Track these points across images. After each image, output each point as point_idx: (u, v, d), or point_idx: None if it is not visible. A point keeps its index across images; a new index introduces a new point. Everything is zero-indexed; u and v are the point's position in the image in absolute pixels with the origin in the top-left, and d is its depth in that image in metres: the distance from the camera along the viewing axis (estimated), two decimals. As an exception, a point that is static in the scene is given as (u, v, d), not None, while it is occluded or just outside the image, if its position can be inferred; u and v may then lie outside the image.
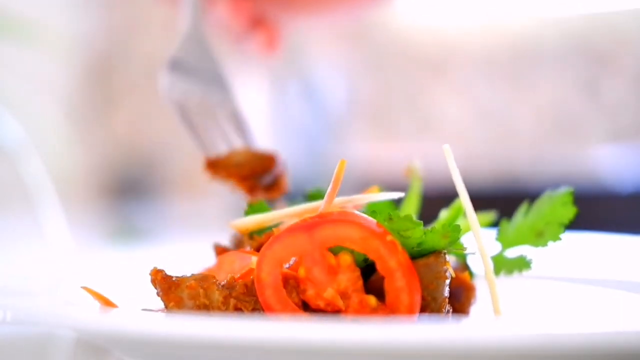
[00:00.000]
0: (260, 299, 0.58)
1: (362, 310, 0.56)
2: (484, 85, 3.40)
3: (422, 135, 3.45)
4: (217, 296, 0.59)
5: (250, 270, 0.61)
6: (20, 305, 0.59)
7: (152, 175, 3.79)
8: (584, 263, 0.93)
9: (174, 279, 0.60)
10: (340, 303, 0.57)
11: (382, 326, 0.45)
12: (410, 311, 0.56)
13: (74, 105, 3.79)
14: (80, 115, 3.82)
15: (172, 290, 0.60)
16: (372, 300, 0.57)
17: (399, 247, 0.57)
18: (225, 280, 0.60)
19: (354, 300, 0.57)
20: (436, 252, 0.59)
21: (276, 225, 0.67)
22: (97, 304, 0.64)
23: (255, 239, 0.67)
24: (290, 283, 0.58)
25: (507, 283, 0.68)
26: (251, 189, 0.77)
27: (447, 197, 0.74)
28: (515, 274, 0.70)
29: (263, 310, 0.58)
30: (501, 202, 0.91)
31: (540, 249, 0.69)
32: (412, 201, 0.78)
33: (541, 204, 0.69)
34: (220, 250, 0.70)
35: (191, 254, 0.82)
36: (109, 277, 0.79)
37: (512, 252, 0.70)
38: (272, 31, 0.98)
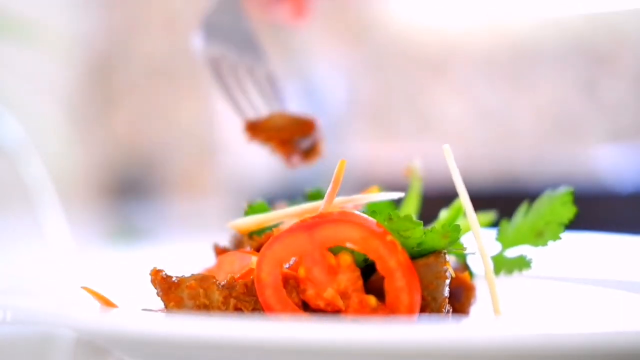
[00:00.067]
0: (260, 299, 0.58)
1: (362, 310, 0.56)
2: (484, 85, 3.40)
3: (422, 135, 3.45)
4: (217, 296, 0.59)
5: (250, 270, 0.61)
6: (20, 305, 0.59)
7: (152, 175, 3.79)
8: (584, 263, 0.93)
9: (174, 279, 0.60)
10: (340, 303, 0.57)
11: (382, 326, 0.45)
12: (410, 311, 0.56)
13: (74, 105, 3.79)
14: (80, 115, 3.82)
15: (172, 290, 0.60)
16: (372, 300, 0.57)
17: (399, 247, 0.57)
18: (225, 280, 0.60)
19: (354, 300, 0.57)
20: (436, 252, 0.59)
21: (276, 225, 0.67)
22: (97, 304, 0.64)
23: (255, 239, 0.67)
24: (290, 283, 0.58)
25: (507, 283, 0.68)
26: (289, 153, 0.77)
27: (447, 197, 0.74)
28: (515, 274, 0.70)
29: (263, 310, 0.58)
30: (501, 202, 0.91)
31: (540, 249, 0.69)
32: (412, 201, 0.78)
33: (541, 204, 0.69)
34: (220, 251, 0.70)
35: (191, 254, 0.82)
36: (109, 277, 0.79)
37: (512, 252, 0.70)
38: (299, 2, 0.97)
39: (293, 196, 0.77)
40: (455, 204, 0.73)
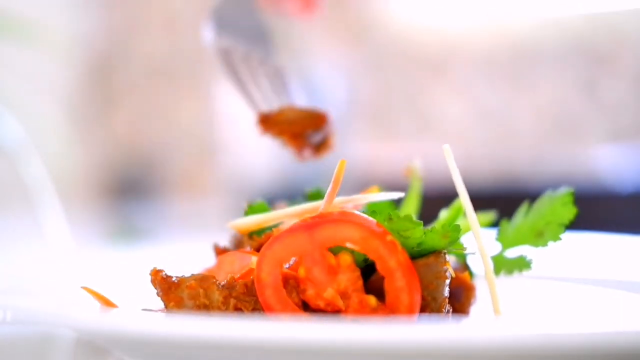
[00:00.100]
0: (260, 299, 0.58)
1: (362, 310, 0.56)
2: (484, 85, 3.40)
3: (422, 135, 3.45)
4: (217, 296, 0.59)
5: (250, 270, 0.61)
6: (20, 305, 0.59)
7: (152, 175, 3.79)
8: (584, 263, 0.93)
9: (174, 279, 0.60)
10: (340, 303, 0.57)
11: (382, 326, 0.45)
12: (410, 311, 0.56)
13: (74, 105, 3.79)
14: (80, 115, 3.82)
15: (172, 291, 0.60)
16: (372, 300, 0.57)
17: (399, 247, 0.57)
18: (225, 280, 0.60)
19: (354, 300, 0.57)
20: (436, 252, 0.59)
21: (276, 226, 0.67)
22: (97, 304, 0.64)
23: (255, 239, 0.67)
24: (290, 283, 0.58)
25: (507, 283, 0.68)
26: (301, 147, 0.76)
27: (447, 197, 0.74)
28: (515, 274, 0.70)
29: (263, 310, 0.58)
30: (501, 202, 0.91)
31: (540, 249, 0.69)
32: (412, 201, 0.78)
33: (541, 204, 0.69)
34: (220, 251, 0.70)
35: (191, 254, 0.81)
36: (109, 277, 0.79)
37: (512, 252, 0.70)
38: None
39: (293, 196, 0.77)
40: (455, 204, 0.73)
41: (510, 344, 0.44)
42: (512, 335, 0.44)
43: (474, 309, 0.70)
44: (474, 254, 0.69)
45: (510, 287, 0.69)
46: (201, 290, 0.59)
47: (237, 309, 0.59)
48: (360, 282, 0.57)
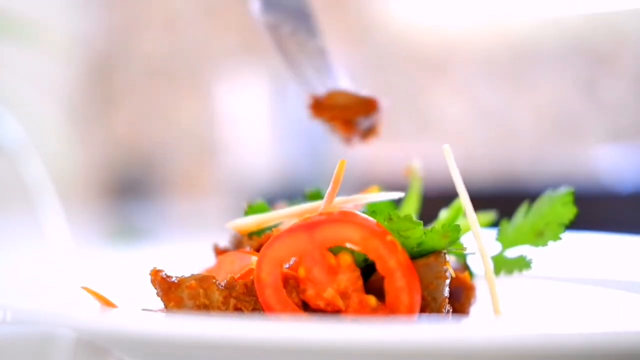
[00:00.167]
0: (260, 299, 0.58)
1: (362, 310, 0.56)
2: (484, 85, 3.40)
3: (422, 135, 3.45)
4: (217, 296, 0.59)
5: (250, 270, 0.61)
6: (20, 305, 0.59)
7: (152, 175, 3.79)
8: (584, 263, 0.93)
9: (174, 279, 0.60)
10: (340, 303, 0.57)
11: (382, 326, 0.45)
12: (410, 311, 0.56)
13: (74, 105, 3.79)
14: (80, 115, 3.83)
15: (172, 291, 0.60)
16: (372, 300, 0.57)
17: (399, 247, 0.57)
18: (225, 281, 0.60)
19: (354, 300, 0.57)
20: (436, 252, 0.59)
21: (276, 226, 0.67)
22: (97, 304, 0.64)
23: (255, 239, 0.67)
24: (290, 283, 0.58)
25: (507, 283, 0.68)
26: (350, 133, 0.74)
27: (447, 197, 0.74)
28: (515, 274, 0.70)
29: (263, 310, 0.58)
30: (501, 202, 0.91)
31: (540, 249, 0.69)
32: (412, 201, 0.78)
33: (541, 204, 0.69)
34: (219, 251, 0.70)
35: (191, 254, 0.81)
36: (109, 277, 0.79)
37: (512, 252, 0.70)
38: None
39: (293, 196, 0.77)
40: (455, 204, 0.73)
41: (510, 344, 0.44)
42: (512, 335, 0.44)
43: (474, 309, 0.70)
44: (474, 254, 0.69)
45: (510, 287, 0.69)
46: (201, 290, 0.59)
47: (237, 309, 0.59)
48: (360, 282, 0.57)
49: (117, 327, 0.51)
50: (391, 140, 3.52)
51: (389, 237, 0.57)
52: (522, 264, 0.70)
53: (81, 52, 3.85)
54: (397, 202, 0.76)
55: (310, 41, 0.81)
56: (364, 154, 3.21)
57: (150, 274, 0.61)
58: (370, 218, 0.58)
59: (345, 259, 0.58)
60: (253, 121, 3.37)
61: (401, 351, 0.45)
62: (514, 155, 3.23)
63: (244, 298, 0.59)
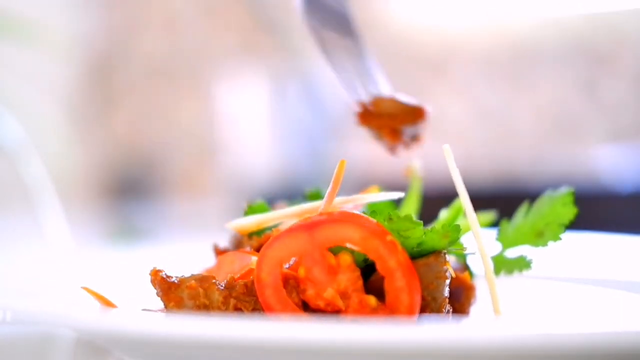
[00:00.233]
0: (260, 299, 0.58)
1: (362, 310, 0.56)
2: (484, 85, 3.40)
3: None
4: (217, 296, 0.59)
5: (250, 270, 0.61)
6: (20, 305, 0.59)
7: (152, 175, 3.79)
8: (584, 263, 0.93)
9: (174, 279, 0.60)
10: (340, 303, 0.57)
11: (382, 326, 0.45)
12: (410, 311, 0.56)
13: (74, 105, 3.79)
14: (80, 115, 3.82)
15: (172, 291, 0.60)
16: (372, 300, 0.57)
17: (399, 247, 0.57)
18: (225, 281, 0.60)
19: (354, 300, 0.57)
20: (436, 252, 0.59)
21: (275, 226, 0.67)
22: (97, 304, 0.64)
23: (255, 239, 0.67)
24: (290, 283, 0.58)
25: (507, 283, 0.68)
26: (396, 142, 0.72)
27: (447, 197, 0.74)
28: (515, 274, 0.70)
29: (263, 310, 0.58)
30: (501, 202, 0.91)
31: (540, 249, 0.69)
32: (412, 201, 0.78)
33: (541, 204, 0.69)
34: (219, 251, 0.70)
35: (191, 254, 0.81)
36: (109, 277, 0.79)
37: (512, 252, 0.70)
38: None
39: (293, 196, 0.77)
40: (455, 204, 0.73)
41: (510, 344, 0.44)
42: (512, 335, 0.44)
43: (474, 309, 0.70)
44: (474, 254, 0.69)
45: (510, 287, 0.69)
46: (201, 290, 0.59)
47: (237, 309, 0.59)
48: (360, 282, 0.57)
49: (117, 327, 0.51)
50: (391, 140, 3.52)
51: (389, 237, 0.57)
52: (522, 264, 0.70)
53: (81, 52, 3.85)
54: (397, 202, 0.76)
55: (352, 45, 0.79)
56: (364, 154, 3.21)
57: (150, 274, 0.61)
58: (370, 218, 0.58)
59: (345, 259, 0.58)
60: (253, 121, 3.37)
61: (401, 351, 0.45)
62: (514, 155, 3.23)
63: (244, 298, 0.59)
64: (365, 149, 3.41)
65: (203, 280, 0.59)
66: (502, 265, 0.70)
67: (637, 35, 3.20)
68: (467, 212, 0.62)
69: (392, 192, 0.66)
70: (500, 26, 3.38)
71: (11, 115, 1.54)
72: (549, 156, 3.14)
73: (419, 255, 0.59)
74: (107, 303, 0.64)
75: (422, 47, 3.49)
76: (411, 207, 0.78)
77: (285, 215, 0.66)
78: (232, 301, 0.59)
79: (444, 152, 0.63)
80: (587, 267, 0.90)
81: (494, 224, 0.74)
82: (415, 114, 0.71)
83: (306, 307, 0.58)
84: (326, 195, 0.61)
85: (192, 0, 3.87)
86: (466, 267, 0.74)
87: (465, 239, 0.67)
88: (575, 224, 0.69)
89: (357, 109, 0.71)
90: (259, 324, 0.46)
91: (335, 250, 0.58)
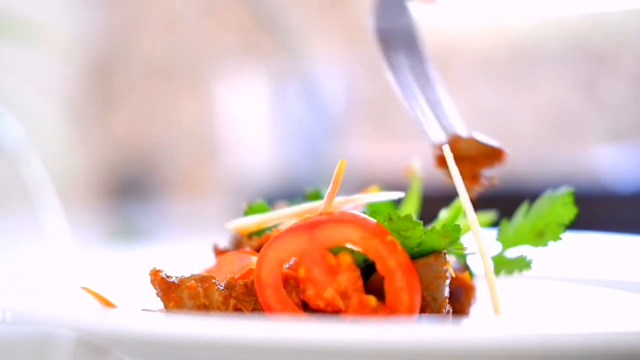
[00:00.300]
0: (260, 299, 0.58)
1: (362, 310, 0.56)
2: (484, 85, 3.40)
3: (422, 135, 3.44)
4: (217, 296, 0.59)
5: (250, 271, 0.61)
6: (20, 305, 0.59)
7: (152, 175, 3.79)
8: (584, 263, 0.93)
9: (173, 279, 0.60)
10: (340, 303, 0.57)
11: (382, 326, 0.45)
12: (410, 311, 0.56)
13: (74, 105, 3.79)
14: (80, 115, 3.82)
15: (172, 291, 0.59)
16: (372, 300, 0.57)
17: (399, 247, 0.57)
18: (225, 281, 0.60)
19: (354, 300, 0.57)
20: (436, 252, 0.59)
21: (275, 226, 0.67)
22: (97, 304, 0.64)
23: (255, 239, 0.67)
24: (290, 283, 0.58)
25: (507, 283, 0.68)
26: (475, 185, 0.67)
27: (447, 197, 0.74)
28: (515, 274, 0.70)
29: (263, 310, 0.58)
30: (501, 202, 0.91)
31: (540, 249, 0.69)
32: (412, 201, 0.78)
33: (542, 204, 0.69)
34: (219, 251, 0.70)
35: (191, 254, 0.81)
36: (109, 277, 0.79)
37: (512, 252, 0.70)
38: None
39: (293, 196, 0.77)
40: (455, 204, 0.73)
41: (510, 344, 0.44)
42: (512, 335, 0.44)
43: (474, 309, 0.70)
44: (474, 254, 0.69)
45: (510, 287, 0.69)
46: (201, 290, 0.59)
47: (237, 309, 0.59)
48: (360, 282, 0.57)
49: (117, 327, 0.51)
50: (391, 140, 3.52)
51: (389, 237, 0.57)
52: (522, 264, 0.70)
53: (81, 52, 3.85)
54: (397, 202, 0.76)
55: (421, 67, 0.76)
56: (364, 154, 3.22)
57: (150, 274, 0.60)
58: (370, 218, 0.58)
59: (345, 259, 0.58)
60: (253, 121, 3.37)
61: (401, 351, 0.45)
62: (514, 155, 3.22)
63: (244, 298, 0.59)
64: (365, 149, 3.41)
65: (203, 280, 0.59)
66: (502, 265, 0.70)
67: (637, 35, 3.20)
68: (467, 212, 0.62)
69: (392, 192, 0.66)
70: (500, 26, 3.38)
71: (11, 115, 1.54)
72: (549, 156, 3.14)
73: (419, 255, 0.59)
74: (107, 303, 0.64)
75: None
76: (411, 207, 0.78)
77: (285, 215, 0.66)
78: (232, 301, 0.59)
79: (444, 152, 0.63)
80: (587, 267, 0.90)
81: (494, 224, 0.74)
82: (495, 157, 0.67)
83: (306, 307, 0.58)
84: (326, 195, 0.61)
85: (192, 0, 3.87)
86: (466, 267, 0.74)
87: (465, 239, 0.67)
88: (575, 224, 0.69)
89: (437, 152, 0.66)
90: (259, 324, 0.46)
91: (335, 250, 0.58)
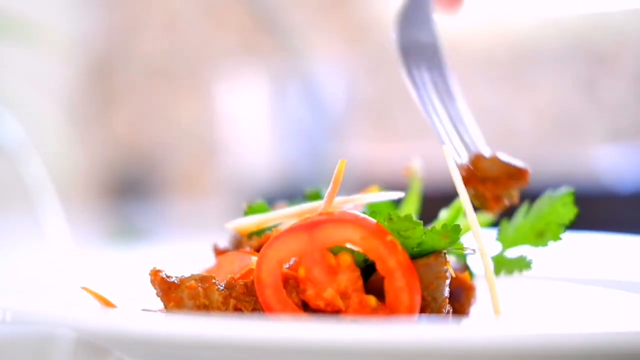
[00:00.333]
0: (260, 299, 0.58)
1: (362, 310, 0.56)
2: (484, 85, 3.40)
3: (422, 135, 3.44)
4: (217, 296, 0.59)
5: (250, 271, 0.61)
6: (20, 305, 0.59)
7: (152, 175, 3.79)
8: (584, 263, 0.93)
9: (173, 279, 0.60)
10: (340, 303, 0.57)
11: (382, 326, 0.45)
12: (410, 311, 0.56)
13: (74, 105, 3.79)
14: (80, 115, 3.82)
15: (172, 291, 0.59)
16: (372, 300, 0.57)
17: (399, 247, 0.57)
18: (225, 281, 0.60)
19: (354, 300, 0.57)
20: (436, 252, 0.59)
21: (275, 226, 0.67)
22: (97, 304, 0.64)
23: (255, 239, 0.67)
24: (290, 283, 0.58)
25: (507, 283, 0.68)
26: (498, 206, 0.66)
27: (447, 197, 0.74)
28: (515, 274, 0.70)
29: (263, 310, 0.58)
30: (501, 202, 0.91)
31: (540, 249, 0.69)
32: (412, 201, 0.78)
33: (542, 204, 0.69)
34: (219, 251, 0.70)
35: (191, 254, 0.81)
36: (109, 277, 0.79)
37: (512, 252, 0.70)
38: None
39: (293, 196, 0.77)
40: (455, 204, 0.73)
41: (510, 344, 0.44)
42: (512, 335, 0.44)
43: (474, 309, 0.70)
44: (474, 254, 0.69)
45: (510, 287, 0.69)
46: (201, 290, 0.59)
47: (237, 309, 0.59)
48: (360, 282, 0.57)
49: (117, 327, 0.51)
50: (391, 140, 3.52)
51: (389, 237, 0.57)
52: (522, 264, 0.70)
53: (81, 52, 3.85)
54: (397, 202, 0.76)
55: (443, 83, 0.75)
56: (364, 154, 3.22)
57: (150, 274, 0.60)
58: (370, 218, 0.58)
59: (345, 259, 0.58)
60: (253, 121, 3.37)
61: (401, 351, 0.45)
62: (514, 155, 3.22)
63: (244, 298, 0.59)
64: (365, 149, 3.41)
65: (203, 280, 0.59)
66: (502, 265, 0.70)
67: (637, 35, 3.20)
68: (467, 212, 0.62)
69: (392, 192, 0.66)
70: (500, 26, 3.38)
71: (11, 115, 1.54)
72: (549, 156, 3.14)
73: (419, 255, 0.59)
74: (107, 303, 0.64)
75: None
76: (411, 207, 0.78)
77: (285, 215, 0.66)
78: (232, 301, 0.59)
79: (444, 152, 0.63)
80: (587, 267, 0.90)
81: (494, 224, 0.74)
82: (519, 177, 0.66)
83: (306, 307, 0.58)
84: (326, 195, 0.61)
85: (192, 0, 3.87)
86: (466, 267, 0.74)
87: (465, 239, 0.67)
88: (575, 224, 0.69)
89: (460, 173, 0.64)
90: (259, 324, 0.46)
91: (335, 250, 0.58)
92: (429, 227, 0.59)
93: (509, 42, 3.35)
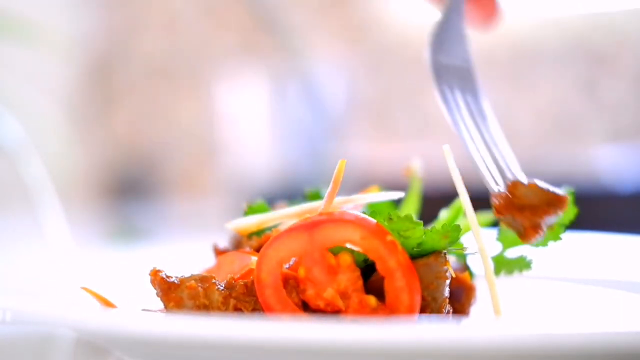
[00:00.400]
0: (260, 299, 0.58)
1: (362, 310, 0.56)
2: (484, 85, 3.39)
3: (422, 135, 3.45)
4: (217, 296, 0.59)
5: (250, 271, 0.61)
6: (20, 305, 0.59)
7: (152, 175, 3.79)
8: (584, 263, 0.93)
9: (173, 279, 0.60)
10: (340, 303, 0.57)
11: (382, 326, 0.45)
12: (410, 311, 0.56)
13: (74, 105, 3.79)
14: (80, 115, 3.82)
15: (172, 291, 0.59)
16: (372, 300, 0.57)
17: (399, 247, 0.57)
18: (225, 281, 0.60)
19: (354, 300, 0.57)
20: (436, 252, 0.59)
21: (275, 226, 0.67)
22: (97, 304, 0.64)
23: (255, 240, 0.67)
24: (290, 283, 0.58)
25: (507, 283, 0.68)
26: (536, 235, 0.63)
27: (447, 197, 0.74)
28: (515, 274, 0.70)
29: (263, 310, 0.58)
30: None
31: (540, 249, 0.69)
32: (412, 201, 0.78)
33: (541, 204, 0.69)
34: (219, 251, 0.70)
35: (191, 254, 0.81)
36: (109, 277, 0.79)
37: (512, 252, 0.70)
38: (490, 3, 0.89)
39: (293, 196, 0.77)
40: (455, 204, 0.73)
41: (510, 344, 0.44)
42: (512, 335, 0.44)
43: (474, 309, 0.70)
44: (474, 253, 0.69)
45: (510, 287, 0.69)
46: (201, 290, 0.59)
47: (237, 309, 0.59)
48: (360, 282, 0.57)
49: (117, 327, 0.51)
50: (391, 140, 3.52)
51: (389, 237, 0.57)
52: (522, 264, 0.70)
53: (81, 52, 3.85)
54: (397, 202, 0.76)
55: (476, 104, 0.74)
56: (364, 154, 3.22)
57: (150, 274, 0.60)
58: (370, 218, 0.58)
59: (345, 259, 0.58)
60: (253, 121, 3.37)
61: (401, 351, 0.45)
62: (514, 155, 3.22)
63: (244, 298, 0.59)
64: (365, 149, 3.41)
65: (203, 280, 0.59)
66: (502, 265, 0.70)
67: (637, 35, 3.20)
68: (467, 212, 0.62)
69: (392, 192, 0.66)
70: (500, 26, 3.38)
71: (11, 115, 1.54)
72: (549, 156, 3.14)
73: (419, 255, 0.59)
74: (107, 303, 0.64)
75: (421, 46, 3.48)
76: (411, 207, 0.78)
77: (285, 215, 0.66)
78: (232, 301, 0.59)
79: (444, 152, 0.63)
80: (587, 267, 0.90)
81: (494, 224, 0.74)
82: (558, 204, 0.63)
83: (306, 307, 0.58)
84: (326, 195, 0.61)
85: (192, 0, 3.87)
86: (466, 267, 0.74)
87: (465, 239, 0.67)
88: (575, 224, 0.69)
89: (497, 201, 0.63)
90: (259, 324, 0.46)
91: (335, 250, 0.58)
92: (429, 227, 0.59)
93: (509, 42, 3.35)
